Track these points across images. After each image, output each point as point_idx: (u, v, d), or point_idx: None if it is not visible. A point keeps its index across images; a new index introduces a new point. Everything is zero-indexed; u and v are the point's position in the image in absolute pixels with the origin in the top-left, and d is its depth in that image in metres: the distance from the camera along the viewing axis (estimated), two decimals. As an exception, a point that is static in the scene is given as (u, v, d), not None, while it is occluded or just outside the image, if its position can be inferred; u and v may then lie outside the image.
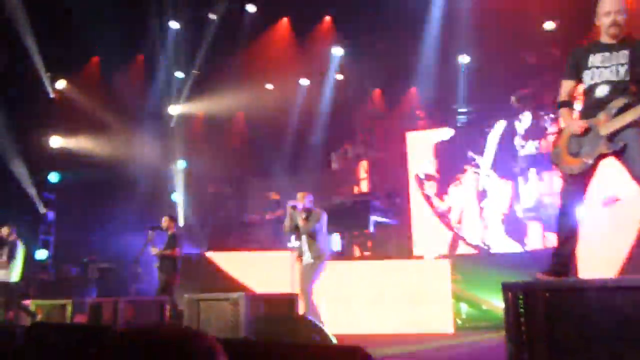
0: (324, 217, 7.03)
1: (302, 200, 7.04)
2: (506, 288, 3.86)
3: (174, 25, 13.32)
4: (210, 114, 14.40)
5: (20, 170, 12.32)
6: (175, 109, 14.55)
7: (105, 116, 13.00)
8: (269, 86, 13.54)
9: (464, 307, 9.46)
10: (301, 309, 6.48)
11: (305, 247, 6.96)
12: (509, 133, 12.05)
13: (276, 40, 13.01)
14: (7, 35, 11.44)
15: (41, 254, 12.53)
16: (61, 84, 13.43)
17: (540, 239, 10.90)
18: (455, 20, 10.78)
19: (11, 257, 8.90)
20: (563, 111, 4.14)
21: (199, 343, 0.94)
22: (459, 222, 12.24)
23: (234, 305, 5.88)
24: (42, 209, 12.99)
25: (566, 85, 4.16)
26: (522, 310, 3.77)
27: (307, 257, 6.91)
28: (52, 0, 11.24)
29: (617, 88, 3.90)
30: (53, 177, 13.20)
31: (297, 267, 7.07)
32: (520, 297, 3.81)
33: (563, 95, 4.15)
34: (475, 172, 12.39)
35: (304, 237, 6.98)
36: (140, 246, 9.71)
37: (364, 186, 13.10)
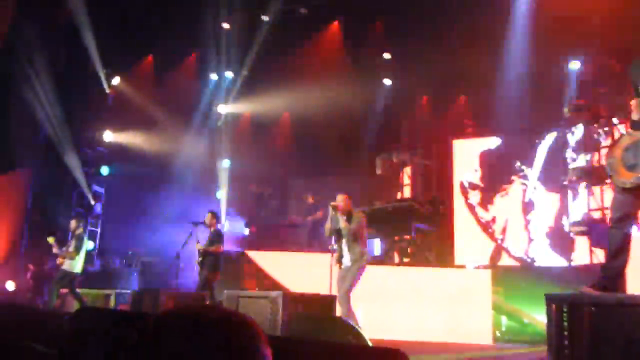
0: (364, 222, 7.01)
1: (343, 202, 7.04)
2: (550, 300, 3.77)
3: (226, 25, 13.56)
4: (257, 114, 14.58)
5: (73, 162, 12.75)
6: (223, 108, 14.79)
7: (156, 112, 13.34)
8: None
9: (504, 320, 9.26)
10: (338, 312, 6.47)
11: (345, 250, 6.95)
12: (560, 145, 11.77)
13: (326, 43, 13.07)
14: (68, 32, 11.89)
15: (88, 245, 12.92)
16: (116, 81, 13.85)
17: (587, 254, 10.59)
18: (512, 26, 10.59)
19: (77, 249, 9.24)
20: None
21: (241, 324, 0.94)
22: (503, 232, 12.01)
23: (272, 304, 5.93)
24: (92, 201, 13.39)
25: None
26: (565, 323, 3.67)
27: (347, 260, 6.90)
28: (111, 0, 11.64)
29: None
30: (104, 170, 13.61)
31: (335, 270, 7.07)
32: (565, 310, 3.71)
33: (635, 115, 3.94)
34: (523, 184, 12.14)
35: (344, 240, 6.97)
36: (183, 241, 9.91)
37: (407, 192, 13.00)
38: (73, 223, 9.65)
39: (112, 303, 9.61)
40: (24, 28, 10.59)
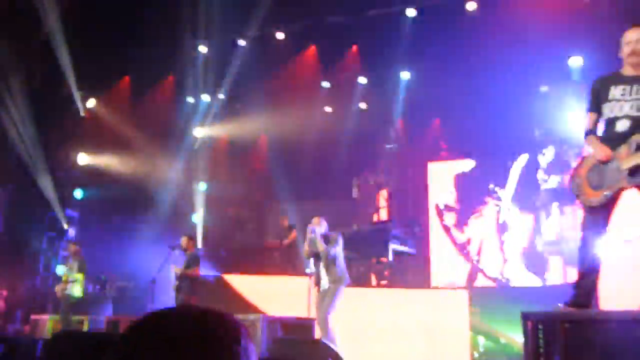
0: (341, 241, 7.07)
1: (318, 224, 7.09)
2: (526, 317, 3.85)
3: (203, 49, 13.63)
4: (234, 137, 14.60)
5: (46, 185, 12.57)
6: (200, 131, 14.79)
7: (132, 135, 13.27)
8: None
9: (482, 340, 9.32)
10: (317, 334, 6.47)
11: (323, 272, 6.98)
12: (532, 166, 12.01)
13: (303, 67, 13.22)
14: (43, 52, 11.83)
15: (61, 269, 12.67)
16: (92, 103, 13.77)
17: (561, 273, 10.77)
18: (481, 47, 10.85)
19: (83, 271, 9.36)
20: (591, 138, 4.13)
21: (218, 318, 0.91)
22: (478, 253, 12.16)
23: (251, 327, 5.91)
24: (65, 225, 13.19)
25: (591, 117, 4.18)
26: (541, 340, 3.75)
27: (325, 282, 6.93)
28: (88, 20, 11.63)
29: (638, 123, 3.92)
30: (78, 193, 13.44)
31: (314, 293, 7.09)
32: (540, 327, 3.79)
33: (589, 125, 4.16)
34: (497, 205, 12.33)
35: (322, 263, 7.01)
36: (159, 265, 9.82)
37: (384, 214, 13.09)
38: (72, 247, 9.68)
39: (85, 329, 9.44)
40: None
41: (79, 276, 9.35)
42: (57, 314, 9.90)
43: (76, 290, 9.38)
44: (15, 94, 11.17)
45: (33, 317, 9.74)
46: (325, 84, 13.62)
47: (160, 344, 0.85)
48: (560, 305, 3.98)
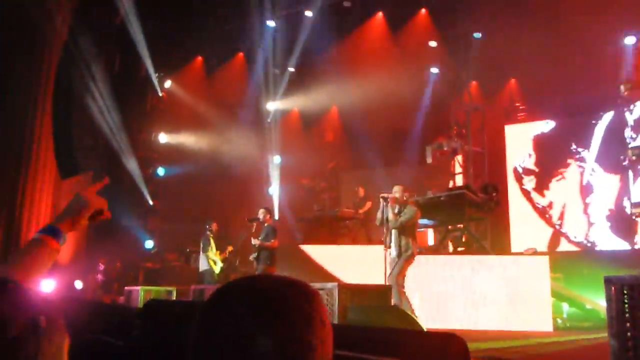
0: (417, 215, 7.04)
1: (399, 192, 7.08)
2: (609, 282, 3.71)
3: (271, 23, 13.73)
4: (306, 109, 14.71)
5: (131, 165, 13.21)
6: (272, 105, 14.99)
7: (207, 112, 13.65)
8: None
9: (566, 307, 9.07)
10: (392, 301, 6.53)
11: (393, 242, 7.00)
12: (618, 124, 11.39)
13: (371, 34, 13.05)
14: (120, 38, 12.32)
15: (149, 244, 13.37)
16: (168, 84, 14.26)
17: (652, 237, 10.25)
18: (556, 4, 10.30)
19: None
20: None
21: (302, 290, 0.96)
22: (561, 218, 11.76)
23: (328, 295, 6.03)
24: (150, 201, 13.85)
25: None
26: (626, 304, 3.61)
27: (393, 252, 6.96)
28: (160, 3, 11.97)
29: None
30: (160, 171, 14.04)
31: (389, 261, 7.14)
32: (625, 291, 3.65)
33: None
34: (580, 166, 11.82)
35: (393, 231, 7.02)
36: (240, 237, 10.17)
37: (459, 180, 12.86)
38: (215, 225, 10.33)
39: (174, 298, 9.96)
40: (80, 35, 11.03)
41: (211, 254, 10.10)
42: (147, 285, 10.50)
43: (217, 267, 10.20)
44: (98, 80, 11.73)
45: (127, 288, 10.36)
46: (395, 50, 13.39)
47: (239, 307, 0.92)
48: (647, 268, 3.81)
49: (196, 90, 13.95)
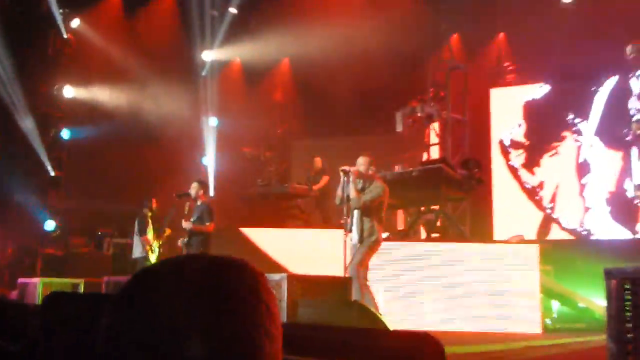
0: (384, 193, 7.10)
1: (364, 165, 7.12)
2: (610, 275, 3.84)
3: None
4: (250, 61, 14.55)
5: (28, 125, 12.80)
6: (208, 55, 14.76)
7: (126, 61, 13.32)
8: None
9: (556, 305, 9.39)
10: (352, 295, 6.61)
11: (355, 225, 7.06)
12: (623, 92, 11.75)
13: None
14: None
15: (49, 225, 13.07)
16: (76, 23, 13.81)
17: (656, 224, 10.69)
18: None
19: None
20: None
21: (234, 267, 0.92)
22: (553, 200, 12.11)
23: (274, 288, 6.05)
24: (52, 172, 13.49)
25: None
26: (628, 301, 3.75)
27: (355, 238, 7.02)
28: None
29: None
30: (65, 134, 13.68)
31: (349, 247, 7.20)
32: (627, 286, 3.79)
33: None
34: (576, 140, 12.16)
35: (355, 212, 7.08)
36: (166, 218, 10.06)
37: (435, 153, 13.04)
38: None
39: (81, 291, 9.81)
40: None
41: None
42: (48, 276, 10.29)
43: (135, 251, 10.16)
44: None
45: (21, 280, 10.12)
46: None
47: (162, 298, 0.87)
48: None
49: (112, 32, 13.57)
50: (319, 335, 3.25)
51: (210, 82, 14.70)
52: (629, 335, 3.83)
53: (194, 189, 9.45)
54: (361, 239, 7.00)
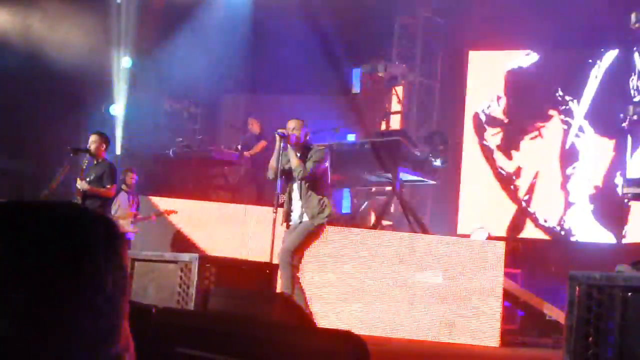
0: (327, 157, 7.19)
1: (296, 130, 7.17)
2: (574, 279, 4.03)
3: None
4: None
5: None
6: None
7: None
8: None
9: (520, 314, 9.69)
10: (279, 286, 6.72)
11: (296, 200, 7.13)
12: (622, 69, 12.01)
13: None
14: None
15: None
16: None
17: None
18: None
19: None
20: None
21: (88, 218, 0.97)
22: (530, 191, 12.36)
23: (184, 271, 6.11)
24: None
25: None
26: (593, 312, 3.94)
27: (297, 215, 7.10)
28: None
29: None
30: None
31: (280, 231, 7.27)
32: (594, 294, 3.98)
33: None
34: (564, 122, 12.41)
35: (295, 186, 7.15)
36: (55, 177, 9.95)
37: (395, 122, 13.18)
38: None
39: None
40: None
41: None
42: None
43: None
44: None
45: None
46: None
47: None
48: (625, 266, 4.16)
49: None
50: (229, 330, 3.36)
51: (125, 11, 14.44)
52: (589, 352, 4.04)
53: (93, 143, 9.34)
54: (310, 217, 7.02)
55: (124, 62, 14.50)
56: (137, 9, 14.48)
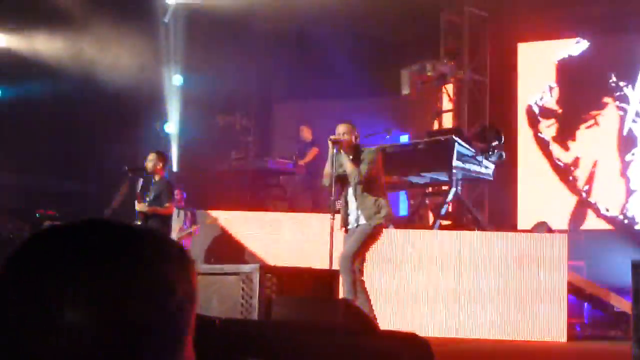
0: (380, 157, 7.19)
1: (348, 134, 7.19)
2: (639, 267, 3.96)
3: None
4: (223, 6, 14.49)
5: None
6: (171, -4, 14.71)
7: (66, 2, 13.27)
8: None
9: (587, 308, 9.54)
10: (342, 292, 6.71)
11: (353, 204, 7.14)
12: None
13: None
14: None
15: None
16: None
17: None
18: None
19: None
20: None
21: (149, 236, 0.99)
22: (589, 181, 12.20)
23: (245, 282, 6.15)
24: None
25: None
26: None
27: (354, 218, 7.10)
28: None
29: None
30: (-7, 92, 13.66)
31: (339, 237, 7.29)
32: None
33: None
34: (620, 108, 12.24)
35: (350, 189, 7.15)
36: (114, 197, 10.09)
37: (448, 121, 13.10)
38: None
39: None
40: None
41: None
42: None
43: None
44: None
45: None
46: None
47: (46, 265, 0.92)
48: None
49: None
50: (292, 338, 3.36)
51: (174, 30, 14.65)
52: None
53: (151, 161, 9.45)
54: (367, 219, 7.04)
55: (175, 80, 14.69)
56: (184, 27, 14.68)
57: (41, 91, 13.32)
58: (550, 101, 12.77)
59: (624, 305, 9.28)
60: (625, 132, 12.13)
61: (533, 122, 12.82)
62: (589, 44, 12.46)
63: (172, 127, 14.55)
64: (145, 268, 0.95)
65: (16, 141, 13.23)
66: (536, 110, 12.77)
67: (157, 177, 9.44)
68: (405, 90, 13.03)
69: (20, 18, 13.50)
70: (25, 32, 13.72)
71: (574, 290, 8.92)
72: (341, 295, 6.76)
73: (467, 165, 10.33)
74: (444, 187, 10.66)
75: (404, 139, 11.77)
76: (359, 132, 7.47)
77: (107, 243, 0.95)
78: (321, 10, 13.07)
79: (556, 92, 12.72)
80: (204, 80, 14.38)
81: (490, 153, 10.68)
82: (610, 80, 12.24)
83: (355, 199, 7.12)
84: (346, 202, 7.30)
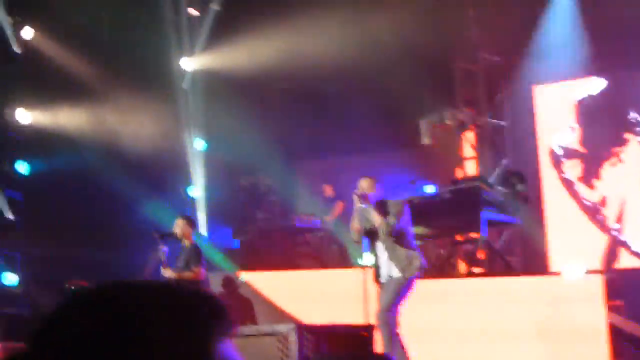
0: (404, 209, 7.17)
1: (370, 188, 7.20)
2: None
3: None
4: (240, 69, 14.64)
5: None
6: (188, 62, 14.88)
7: (90, 76, 13.45)
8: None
9: (630, 350, 9.35)
10: (379, 346, 6.64)
11: (383, 257, 7.11)
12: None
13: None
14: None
15: (9, 278, 13.11)
16: (29, 33, 13.98)
17: None
18: None
19: None
20: None
21: (198, 300, 0.98)
22: (619, 219, 12.07)
23: (282, 342, 6.10)
24: (8, 214, 13.58)
25: None
26: None
27: (386, 271, 7.06)
28: None
29: None
30: (21, 167, 13.79)
31: (372, 291, 7.27)
32: None
33: None
34: (642, 143, 12.20)
35: (379, 242, 7.13)
36: (145, 264, 10.10)
37: (471, 168, 13.06)
38: None
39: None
40: None
41: None
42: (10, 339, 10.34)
43: None
44: None
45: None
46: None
47: (76, 332, 0.92)
48: None
49: (73, 41, 13.73)
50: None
51: (193, 96, 14.81)
52: None
53: (179, 226, 9.45)
54: (398, 272, 7.01)
55: (197, 145, 14.80)
56: (202, 91, 14.85)
57: (66, 163, 13.44)
58: (573, 141, 12.72)
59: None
60: (650, 167, 12.06)
61: (556, 163, 12.75)
62: (606, 82, 12.45)
63: (196, 191, 14.61)
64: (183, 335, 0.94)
65: (46, 214, 13.34)
66: (559, 151, 12.71)
67: (186, 242, 9.42)
68: (425, 140, 13.06)
69: (43, 94, 13.72)
70: (48, 108, 13.92)
71: (614, 331, 8.76)
72: (379, 349, 6.71)
73: (495, 211, 10.30)
74: (473, 235, 10.60)
75: (429, 188, 11.71)
76: (382, 185, 7.48)
77: (141, 315, 0.94)
78: (335, 67, 13.18)
79: (577, 131, 12.68)
80: (226, 142, 14.49)
81: (515, 197, 10.65)
82: (630, 116, 12.20)
83: (386, 251, 7.10)
84: (376, 255, 7.28)
